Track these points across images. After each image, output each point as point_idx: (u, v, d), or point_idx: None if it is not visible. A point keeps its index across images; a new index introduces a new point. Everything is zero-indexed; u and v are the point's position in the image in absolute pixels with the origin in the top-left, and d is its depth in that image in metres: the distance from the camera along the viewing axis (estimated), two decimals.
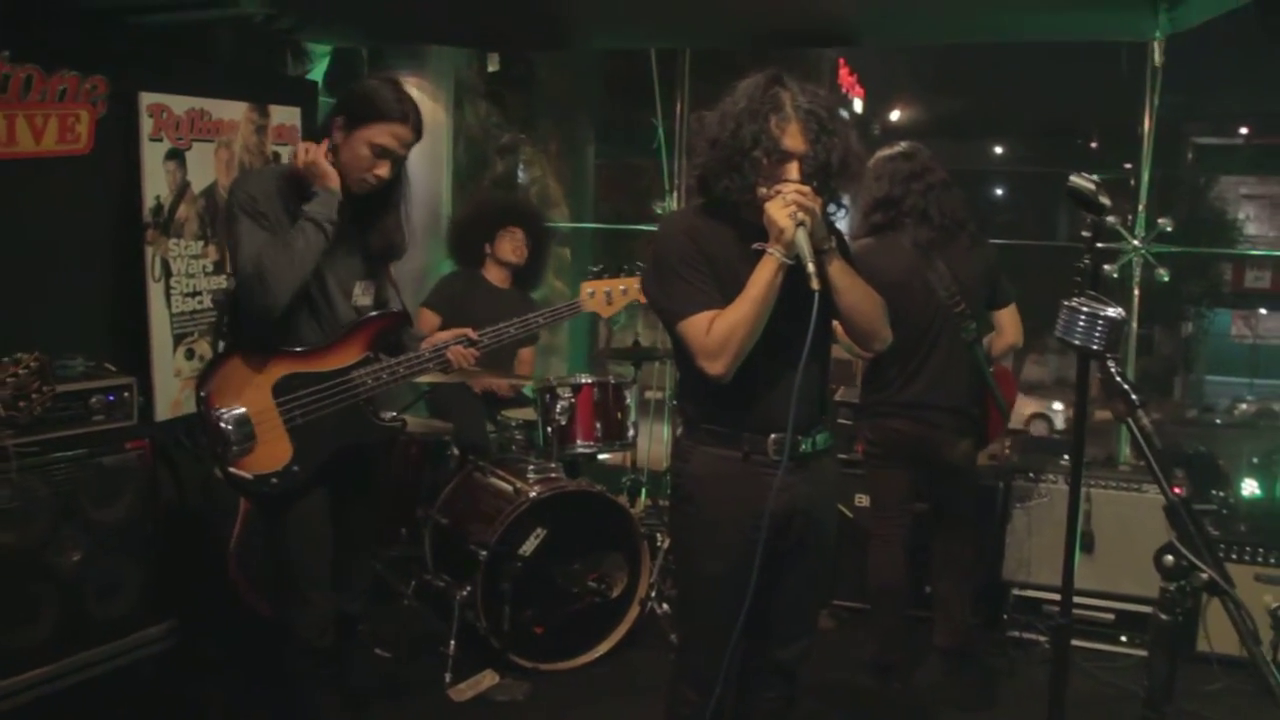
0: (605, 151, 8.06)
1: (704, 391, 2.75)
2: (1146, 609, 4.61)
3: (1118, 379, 2.09)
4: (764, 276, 2.62)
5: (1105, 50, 5.36)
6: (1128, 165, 9.70)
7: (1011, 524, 4.84)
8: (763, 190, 2.63)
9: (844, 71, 9.75)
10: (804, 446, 2.77)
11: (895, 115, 10.82)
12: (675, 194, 5.93)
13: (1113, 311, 2.21)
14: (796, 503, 2.76)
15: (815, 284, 2.54)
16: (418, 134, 3.23)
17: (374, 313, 3.33)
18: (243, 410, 3.13)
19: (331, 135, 3.16)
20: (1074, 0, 4.04)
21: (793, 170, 2.63)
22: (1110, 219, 5.18)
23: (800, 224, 2.57)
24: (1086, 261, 2.34)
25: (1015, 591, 4.81)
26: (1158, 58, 4.27)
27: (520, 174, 7.91)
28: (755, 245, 2.64)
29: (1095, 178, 2.35)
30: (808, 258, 2.54)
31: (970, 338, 4.05)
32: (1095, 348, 2.18)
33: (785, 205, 2.58)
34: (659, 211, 5.92)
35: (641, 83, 6.19)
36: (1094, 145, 9.70)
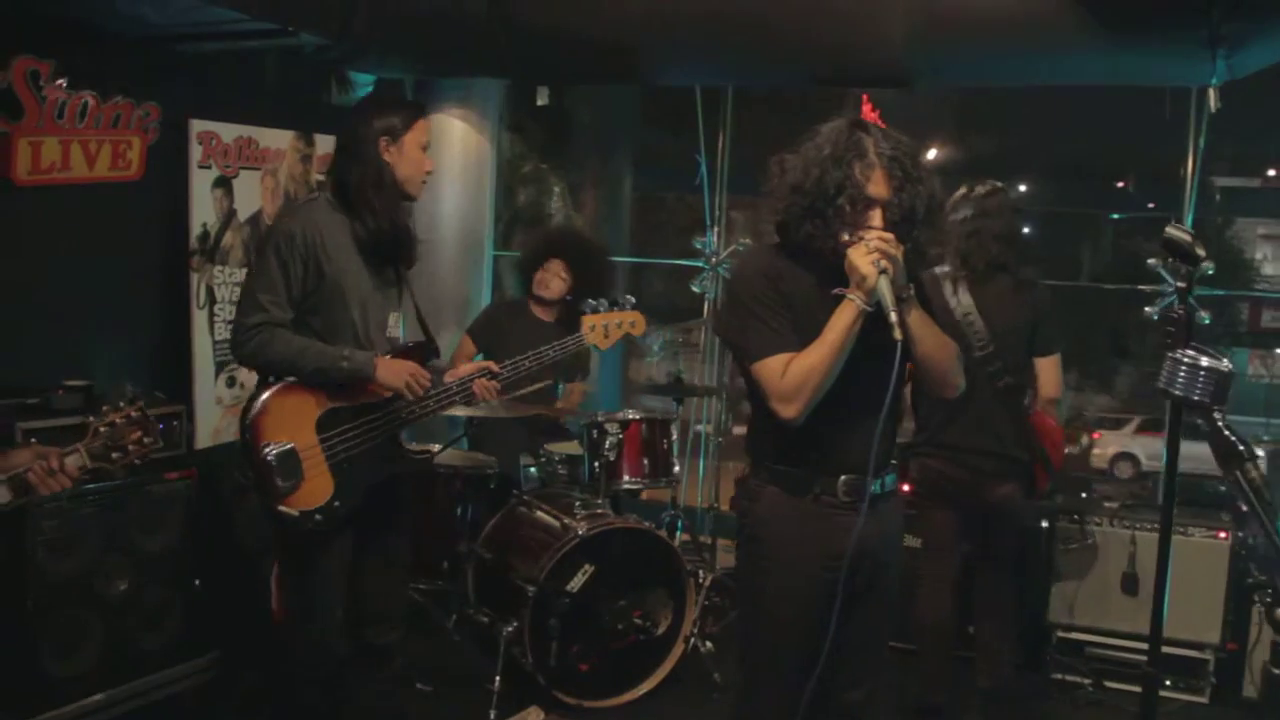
0: (641, 185, 8.07)
1: (774, 430, 2.73)
2: (1191, 653, 4.59)
3: (1225, 432, 2.07)
4: (843, 322, 2.61)
5: (1137, 93, 5.37)
6: (1151, 205, 9.74)
7: (1055, 566, 4.81)
8: (845, 236, 2.62)
9: (867, 108, 9.74)
10: (873, 488, 2.75)
11: (930, 154, 10.86)
12: (716, 229, 5.93)
13: (1209, 361, 2.20)
14: (866, 544, 2.73)
15: (898, 334, 2.52)
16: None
17: (404, 345, 3.38)
18: (291, 446, 3.12)
19: (381, 159, 3.24)
20: (1134, 46, 4.06)
21: (876, 217, 2.62)
22: (1152, 261, 5.20)
23: (883, 272, 2.56)
24: (1181, 312, 2.33)
25: (1059, 634, 4.77)
26: (1213, 104, 4.28)
27: (554, 204, 7.93)
28: (836, 290, 2.63)
29: (1190, 229, 2.35)
30: (890, 306, 2.53)
31: (1000, 383, 3.97)
32: (1197, 399, 2.17)
33: (869, 252, 2.57)
34: (698, 246, 5.91)
35: (677, 117, 6.21)
36: (1120, 185, 9.74)
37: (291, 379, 3.17)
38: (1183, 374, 2.19)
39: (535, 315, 5.27)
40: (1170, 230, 2.36)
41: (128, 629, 3.88)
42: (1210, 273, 5.17)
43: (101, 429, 2.65)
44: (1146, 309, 5.28)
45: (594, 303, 3.84)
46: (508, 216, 7.60)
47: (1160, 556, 2.43)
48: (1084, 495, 5.16)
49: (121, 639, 3.85)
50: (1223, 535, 4.60)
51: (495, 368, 3.49)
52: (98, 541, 3.78)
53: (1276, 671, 2.01)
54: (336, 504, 3.16)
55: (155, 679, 3.95)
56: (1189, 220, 5.16)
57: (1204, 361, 2.20)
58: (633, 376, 8.64)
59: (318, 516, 3.14)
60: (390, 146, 3.24)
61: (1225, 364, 2.15)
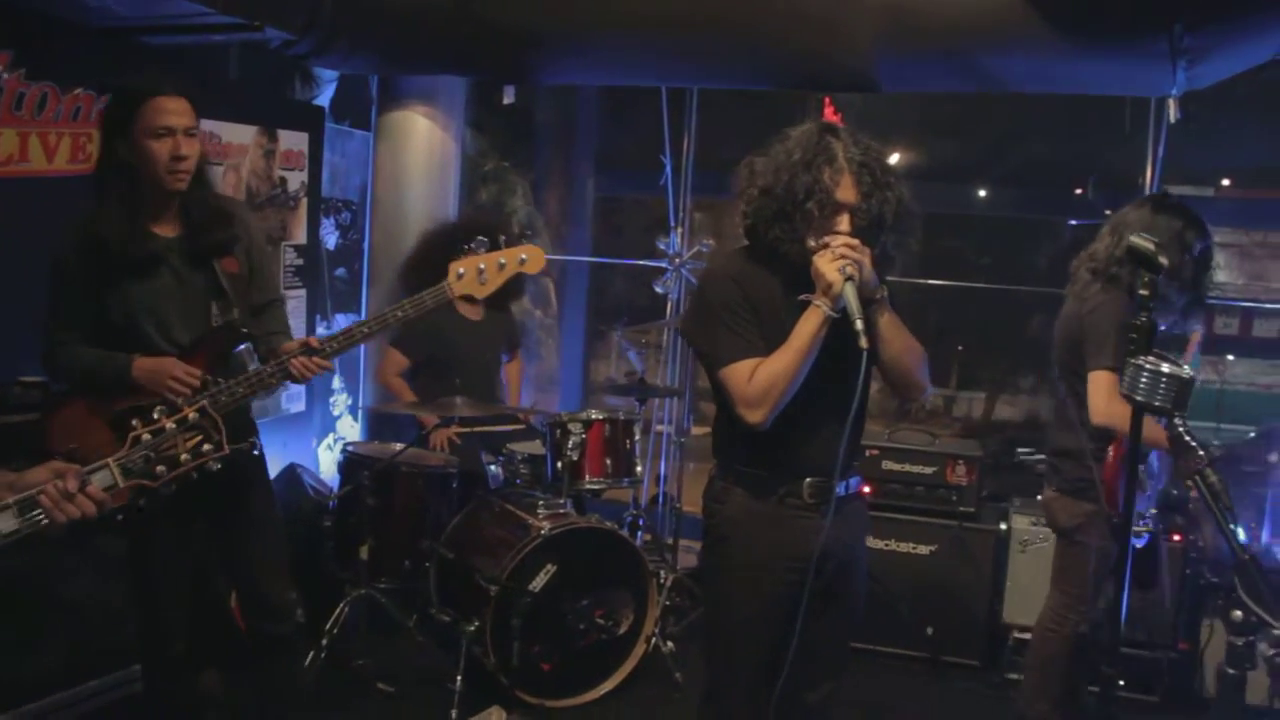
0: (603, 185, 8.09)
1: (740, 434, 2.75)
2: (1144, 653, 4.65)
3: (1186, 437, 2.12)
4: (809, 328, 2.63)
5: (1098, 101, 5.45)
6: (1108, 212, 9.87)
7: (1011, 566, 4.86)
8: (811, 242, 2.65)
9: (829, 110, 9.79)
10: (838, 490, 2.78)
11: (892, 158, 10.87)
12: (680, 230, 5.94)
13: (1170, 368, 2.24)
14: (829, 546, 2.75)
15: (864, 342, 2.54)
16: (187, 97, 3.12)
17: (207, 335, 3.23)
18: (76, 449, 2.99)
19: (118, 157, 3.07)
20: (1097, 56, 4.11)
21: (844, 222, 2.64)
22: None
23: (849, 279, 2.58)
24: (1144, 319, 2.37)
25: (1015, 634, 4.82)
26: (1173, 115, 4.34)
27: (517, 203, 7.90)
28: (802, 296, 2.65)
29: (1155, 239, 2.39)
30: (856, 313, 2.55)
31: (1060, 395, 3.78)
32: (1158, 404, 2.21)
33: (834, 259, 2.59)
34: (662, 248, 5.93)
35: (643, 116, 6.22)
36: (1079, 193, 9.84)
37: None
38: (1144, 380, 2.22)
39: (464, 316, 5.15)
40: (1134, 239, 2.40)
41: (89, 628, 3.83)
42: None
43: (145, 436, 2.17)
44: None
45: (467, 245, 3.45)
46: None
47: (1120, 559, 2.47)
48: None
49: (82, 638, 3.81)
50: (1176, 537, 4.68)
51: (315, 343, 3.26)
52: (58, 539, 3.72)
53: (1231, 671, 2.05)
54: (141, 503, 3.08)
55: (115, 678, 3.90)
56: None
57: (1165, 368, 2.24)
58: (594, 378, 8.63)
59: (118, 516, 3.04)
60: (124, 144, 3.05)
61: (1186, 371, 2.19)
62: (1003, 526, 4.91)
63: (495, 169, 8.43)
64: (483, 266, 3.35)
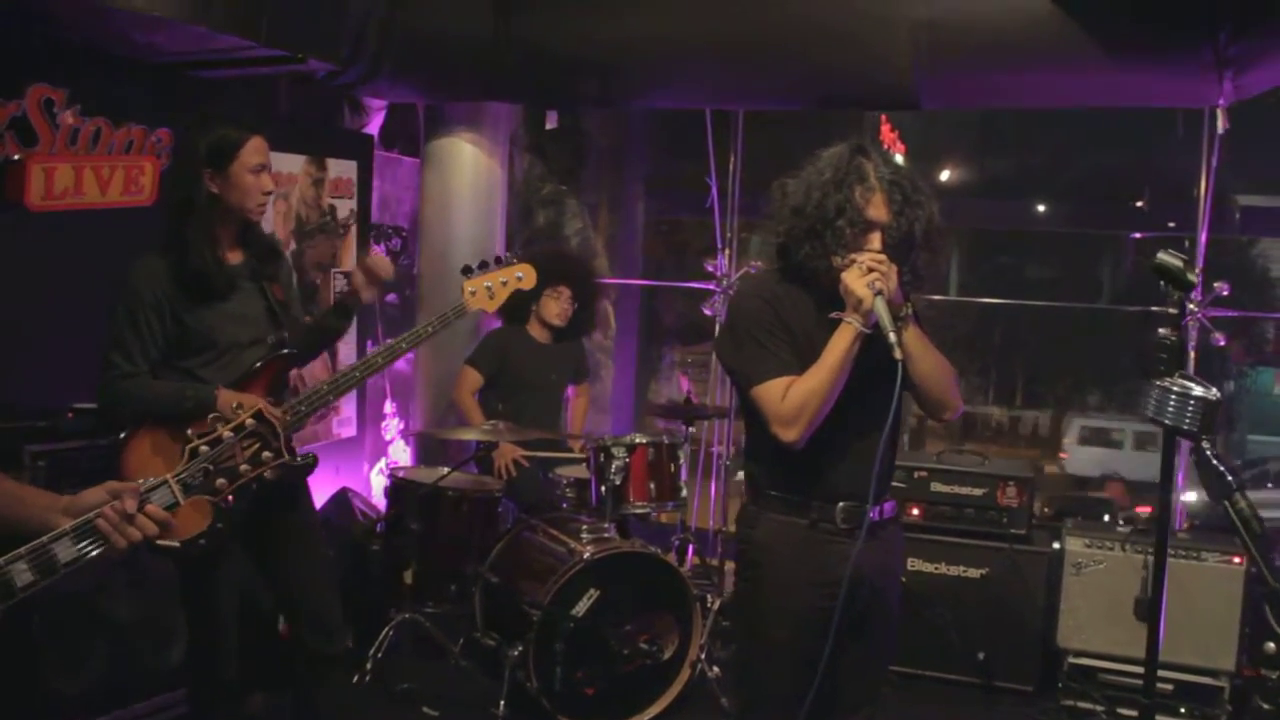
0: (654, 207, 8.11)
1: (772, 457, 2.74)
2: (1205, 680, 4.52)
3: (1214, 462, 2.05)
4: (841, 345, 2.62)
5: (1154, 112, 5.35)
6: (1171, 224, 9.68)
7: (1066, 589, 4.76)
8: (838, 259, 2.63)
9: (886, 128, 9.72)
10: (872, 515, 2.74)
11: (945, 175, 10.73)
12: (727, 252, 5.93)
13: (1202, 390, 2.18)
14: (863, 571, 2.72)
15: (899, 354, 2.53)
16: (264, 135, 3.33)
17: (263, 363, 3.32)
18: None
19: (205, 189, 3.18)
20: (1139, 69, 4.04)
21: (875, 240, 2.63)
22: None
23: (879, 293, 2.57)
24: (1173, 338, 2.31)
25: (1070, 659, 4.71)
26: (1220, 125, 4.25)
27: (575, 226, 7.95)
28: (833, 314, 2.64)
29: (1183, 255, 2.33)
30: (888, 327, 2.54)
31: None
32: (1186, 428, 2.15)
33: (863, 274, 2.58)
34: (709, 270, 5.92)
35: (692, 139, 6.23)
36: (1139, 205, 9.67)
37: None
38: (1173, 403, 2.17)
39: (533, 337, 5.26)
40: (1162, 256, 2.34)
41: (136, 649, 3.89)
42: (1224, 294, 5.13)
43: (202, 448, 2.09)
44: (1160, 330, 5.22)
45: (473, 266, 3.70)
46: (526, 236, 7.64)
47: (1154, 584, 2.40)
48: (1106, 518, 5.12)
49: (129, 659, 3.87)
50: (1237, 560, 4.54)
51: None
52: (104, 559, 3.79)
53: (1266, 707, 1.98)
54: (219, 525, 3.11)
55: (162, 700, 3.96)
56: (1202, 239, 5.12)
57: (1197, 391, 2.18)
58: (651, 398, 8.62)
59: (201, 542, 3.09)
60: (215, 177, 3.19)
61: (1214, 393, 2.13)
62: (1056, 547, 4.81)
63: (553, 192, 8.51)
64: (489, 284, 3.66)
